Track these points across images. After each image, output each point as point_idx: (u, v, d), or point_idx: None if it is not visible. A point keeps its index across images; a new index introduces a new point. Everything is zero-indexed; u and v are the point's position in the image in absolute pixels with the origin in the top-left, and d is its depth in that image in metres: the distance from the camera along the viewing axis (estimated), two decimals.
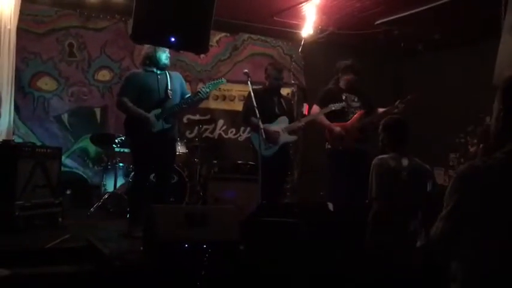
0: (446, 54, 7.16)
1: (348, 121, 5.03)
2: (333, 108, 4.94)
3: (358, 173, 4.78)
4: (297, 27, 6.36)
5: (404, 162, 3.29)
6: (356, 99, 5.10)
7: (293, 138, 5.22)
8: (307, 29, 6.07)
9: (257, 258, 3.29)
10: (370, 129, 4.94)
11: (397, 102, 4.87)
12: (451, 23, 6.27)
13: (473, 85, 6.55)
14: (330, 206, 4.59)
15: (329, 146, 5.07)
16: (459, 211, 1.57)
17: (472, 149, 6.35)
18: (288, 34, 7.02)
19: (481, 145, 1.65)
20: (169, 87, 4.41)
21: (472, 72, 6.74)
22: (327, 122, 5.03)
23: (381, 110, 5.04)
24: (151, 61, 4.40)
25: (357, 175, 4.78)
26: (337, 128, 4.97)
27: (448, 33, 6.55)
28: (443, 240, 1.63)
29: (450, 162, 6.58)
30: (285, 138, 5.07)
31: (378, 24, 6.45)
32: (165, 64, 4.42)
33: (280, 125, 5.07)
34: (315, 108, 5.14)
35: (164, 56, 4.40)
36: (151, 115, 4.30)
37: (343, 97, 5.06)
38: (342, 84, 5.13)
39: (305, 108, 5.26)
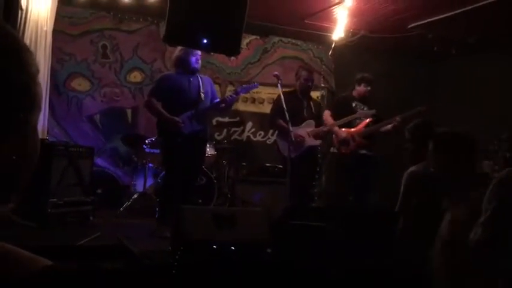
0: (480, 58, 6.99)
1: (354, 127, 5.24)
2: (348, 120, 5.17)
3: (361, 176, 5.11)
4: (328, 30, 6.32)
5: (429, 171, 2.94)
6: (365, 109, 5.30)
7: (318, 142, 5.33)
8: (339, 32, 6.02)
9: (284, 262, 3.27)
10: (374, 135, 5.24)
11: (397, 117, 5.00)
12: (486, 27, 6.12)
13: (508, 90, 6.36)
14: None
15: (335, 150, 5.29)
16: (498, 217, 1.54)
17: (502, 156, 6.15)
18: (319, 37, 6.97)
19: None
20: (201, 90, 4.46)
21: (507, 76, 6.55)
22: (334, 127, 5.24)
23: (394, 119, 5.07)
24: (182, 64, 4.45)
25: (361, 178, 5.11)
26: (343, 133, 5.18)
27: (483, 37, 6.39)
28: (482, 246, 1.59)
29: (484, 169, 6.40)
30: (310, 141, 5.16)
31: (410, 27, 6.35)
32: (195, 68, 4.45)
33: (305, 129, 5.19)
34: (327, 113, 5.38)
35: (194, 59, 4.43)
36: (181, 116, 4.34)
37: (353, 104, 5.30)
38: (354, 93, 5.37)
39: (325, 114, 5.38)
